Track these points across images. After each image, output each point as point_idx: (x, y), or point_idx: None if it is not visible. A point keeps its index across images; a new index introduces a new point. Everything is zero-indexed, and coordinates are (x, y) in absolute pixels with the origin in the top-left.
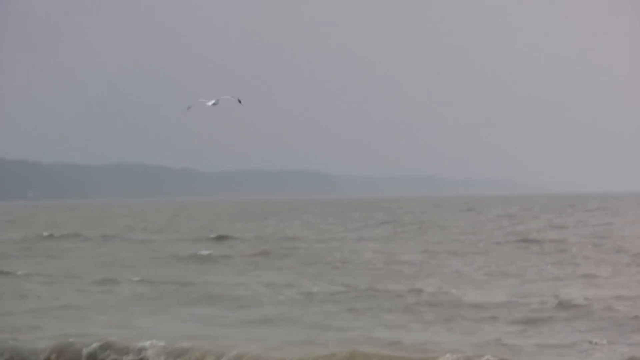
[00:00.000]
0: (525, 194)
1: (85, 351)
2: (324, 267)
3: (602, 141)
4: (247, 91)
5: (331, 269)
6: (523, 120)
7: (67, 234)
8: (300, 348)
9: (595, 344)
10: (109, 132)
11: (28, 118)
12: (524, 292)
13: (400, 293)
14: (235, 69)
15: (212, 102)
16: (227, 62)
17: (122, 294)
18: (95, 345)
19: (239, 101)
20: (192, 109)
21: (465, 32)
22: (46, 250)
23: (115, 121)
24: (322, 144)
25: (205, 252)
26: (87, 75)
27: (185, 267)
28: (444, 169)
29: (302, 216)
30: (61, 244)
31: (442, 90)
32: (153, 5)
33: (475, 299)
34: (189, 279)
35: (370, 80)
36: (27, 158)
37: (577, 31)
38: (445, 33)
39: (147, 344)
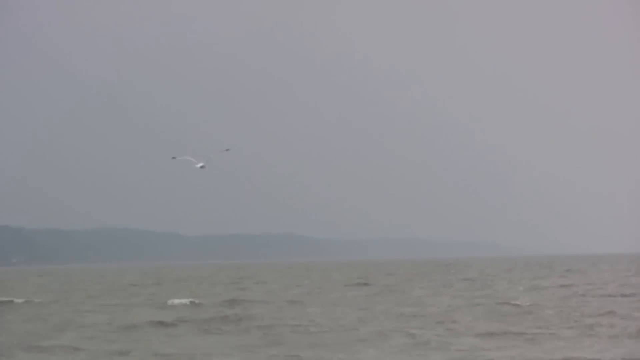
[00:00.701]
0: (508, 256)
1: None
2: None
3: (588, 201)
4: (232, 154)
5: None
6: (506, 181)
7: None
8: None
9: None
10: (92, 196)
11: (10, 183)
12: None
13: None
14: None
15: (201, 164)
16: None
17: None
18: None
19: (227, 150)
20: (179, 170)
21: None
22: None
23: (98, 185)
24: (305, 207)
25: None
26: (66, 136)
27: None
28: (427, 231)
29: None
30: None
31: (417, 151)
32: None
33: None
34: None
35: (352, 135)
36: (10, 224)
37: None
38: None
39: None
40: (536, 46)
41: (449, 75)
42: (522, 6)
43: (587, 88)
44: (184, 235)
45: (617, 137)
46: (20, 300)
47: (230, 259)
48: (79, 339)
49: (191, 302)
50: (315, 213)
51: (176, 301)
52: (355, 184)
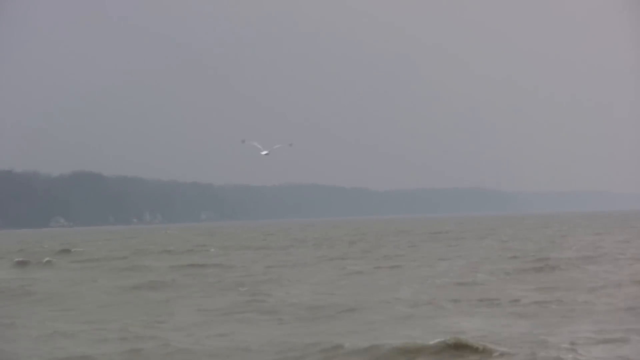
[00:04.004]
0: None
1: None
2: None
3: None
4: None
5: None
6: None
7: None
8: None
9: None
10: (277, 154)
11: (197, 142)
12: None
13: None
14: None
15: (265, 152)
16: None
17: None
18: None
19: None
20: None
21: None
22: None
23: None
24: (494, 160)
25: None
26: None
27: None
28: (611, 184)
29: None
30: None
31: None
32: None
33: None
34: None
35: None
36: (199, 180)
37: None
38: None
39: None
40: None
41: None
42: None
43: None
44: (374, 190)
45: None
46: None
47: (419, 214)
48: None
49: None
50: (503, 166)
51: None
52: (543, 135)
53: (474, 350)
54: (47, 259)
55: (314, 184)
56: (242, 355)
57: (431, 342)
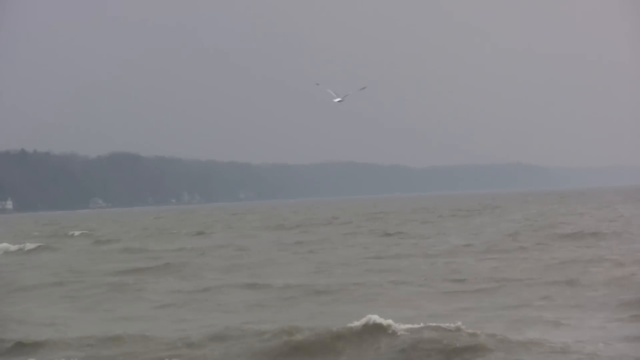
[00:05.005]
0: None
1: None
2: None
3: None
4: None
5: None
6: None
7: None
8: None
9: None
10: (317, 130)
11: (234, 120)
12: None
13: None
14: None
15: (339, 99)
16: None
17: None
18: None
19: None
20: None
21: None
22: None
23: (321, 118)
24: (533, 135)
25: None
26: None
27: None
28: None
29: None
30: None
31: None
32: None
33: None
34: None
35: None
36: (237, 159)
37: None
38: None
39: None
40: None
41: None
42: None
43: None
44: (411, 167)
45: None
46: None
47: (457, 191)
48: None
49: None
50: (544, 141)
51: None
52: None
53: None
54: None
55: (352, 161)
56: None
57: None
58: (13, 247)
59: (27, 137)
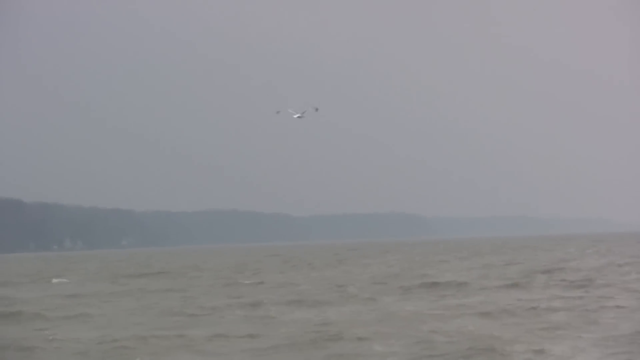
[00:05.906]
0: (617, 232)
1: None
2: None
3: None
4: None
5: None
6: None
7: None
8: None
9: None
10: (199, 179)
11: (119, 168)
12: None
13: None
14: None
15: (298, 115)
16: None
17: None
18: None
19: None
20: (287, 152)
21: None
22: None
23: (206, 168)
24: (415, 186)
25: None
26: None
27: None
28: (536, 209)
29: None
30: None
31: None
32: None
33: None
34: None
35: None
36: (120, 206)
37: None
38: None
39: None
40: None
41: None
42: None
43: None
44: (294, 216)
45: None
46: None
47: (339, 240)
48: None
49: None
50: (425, 192)
51: None
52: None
53: None
54: None
55: (235, 209)
56: None
57: None
58: None
59: None
